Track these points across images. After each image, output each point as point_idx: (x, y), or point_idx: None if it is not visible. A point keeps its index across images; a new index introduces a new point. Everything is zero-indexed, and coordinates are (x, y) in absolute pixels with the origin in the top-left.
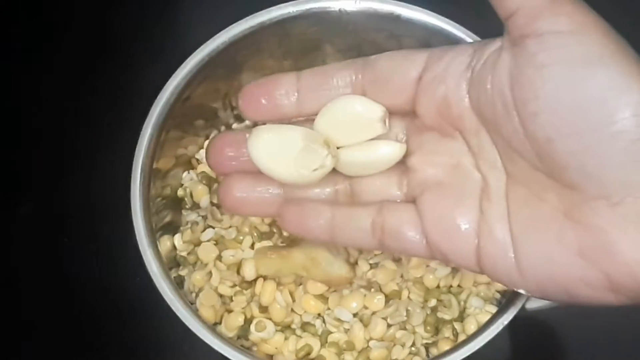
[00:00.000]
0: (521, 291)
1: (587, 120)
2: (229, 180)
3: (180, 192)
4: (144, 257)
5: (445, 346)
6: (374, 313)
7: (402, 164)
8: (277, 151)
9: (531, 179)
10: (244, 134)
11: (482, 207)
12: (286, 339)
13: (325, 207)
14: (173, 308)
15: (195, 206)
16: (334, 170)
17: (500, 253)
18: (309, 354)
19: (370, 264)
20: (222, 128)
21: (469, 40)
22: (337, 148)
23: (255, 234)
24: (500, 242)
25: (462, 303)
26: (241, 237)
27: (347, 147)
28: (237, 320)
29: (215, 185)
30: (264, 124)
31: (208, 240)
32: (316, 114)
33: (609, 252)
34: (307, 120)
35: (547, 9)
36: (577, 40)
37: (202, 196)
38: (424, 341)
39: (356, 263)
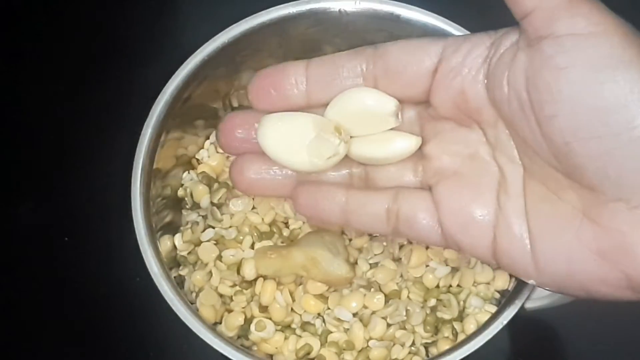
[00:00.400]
0: (536, 284)
1: (606, 124)
2: (241, 161)
3: (180, 192)
4: (144, 257)
5: (444, 346)
6: (373, 313)
7: (418, 151)
8: (288, 140)
9: (548, 177)
10: (255, 115)
11: (499, 200)
12: (286, 338)
13: (339, 191)
14: (173, 308)
15: (196, 206)
16: (348, 155)
17: (517, 248)
18: (308, 353)
19: (370, 264)
20: None
21: None
22: (350, 137)
23: (255, 234)
24: (517, 238)
25: (461, 303)
26: (241, 237)
27: (360, 138)
28: (237, 319)
29: (216, 185)
30: None
31: (208, 240)
32: (326, 104)
33: (628, 254)
34: (318, 109)
35: (564, 10)
36: (596, 43)
37: (203, 196)
38: (424, 341)
39: (356, 263)
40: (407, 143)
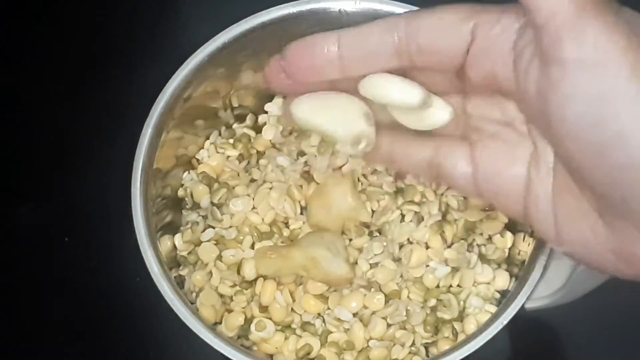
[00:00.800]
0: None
1: (608, 157)
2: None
3: (180, 192)
4: (144, 257)
5: (444, 346)
6: (373, 313)
7: (460, 107)
8: (322, 122)
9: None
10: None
11: (530, 173)
12: (286, 338)
13: (386, 136)
14: (173, 308)
15: (196, 206)
16: None
17: (543, 221)
18: (308, 353)
19: (370, 264)
20: (222, 128)
21: None
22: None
23: (255, 234)
24: (543, 213)
25: (461, 303)
26: (241, 237)
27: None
28: (238, 319)
29: (216, 185)
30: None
31: (208, 240)
32: (361, 76)
33: None
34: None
35: (570, 30)
36: (600, 74)
37: (203, 196)
38: (424, 341)
39: (356, 263)
40: (440, 116)
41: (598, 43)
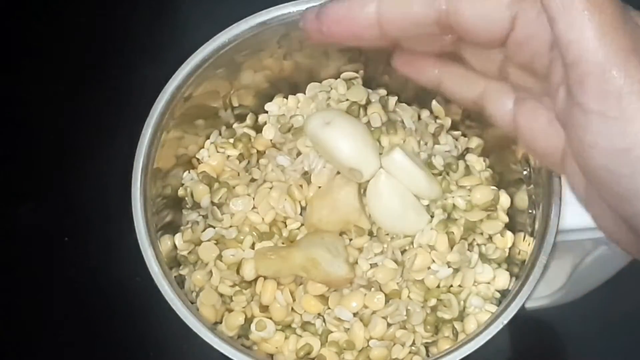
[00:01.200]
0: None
1: (625, 208)
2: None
3: (180, 192)
4: (144, 257)
5: (445, 345)
6: (374, 312)
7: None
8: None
9: None
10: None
11: (567, 147)
12: (286, 338)
13: (435, 63)
14: (173, 307)
15: (196, 206)
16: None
17: (577, 188)
18: (309, 353)
19: (370, 264)
20: (223, 128)
21: None
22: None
23: (255, 234)
24: (577, 185)
25: (462, 302)
26: (241, 237)
27: None
28: (238, 319)
29: (216, 184)
30: None
31: (208, 240)
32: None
33: None
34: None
35: (597, 81)
36: (621, 131)
37: (203, 196)
38: (424, 340)
39: (356, 262)
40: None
41: (621, 99)
